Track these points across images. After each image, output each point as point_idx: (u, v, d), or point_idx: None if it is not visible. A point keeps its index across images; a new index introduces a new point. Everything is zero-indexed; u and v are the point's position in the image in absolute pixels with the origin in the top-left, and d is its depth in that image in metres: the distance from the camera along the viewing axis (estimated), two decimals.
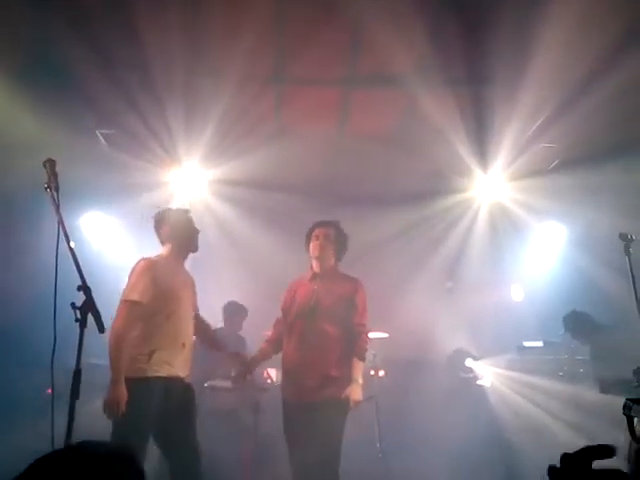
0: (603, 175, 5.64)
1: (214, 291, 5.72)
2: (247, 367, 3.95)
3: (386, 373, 5.78)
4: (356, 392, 3.61)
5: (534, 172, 6.30)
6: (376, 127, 5.91)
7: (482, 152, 5.99)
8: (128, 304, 3.32)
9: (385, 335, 5.66)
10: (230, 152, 5.79)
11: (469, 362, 6.49)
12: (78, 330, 2.35)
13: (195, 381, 3.73)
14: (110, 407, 3.14)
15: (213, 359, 4.70)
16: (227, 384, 4.81)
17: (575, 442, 4.59)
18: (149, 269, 3.43)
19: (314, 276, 3.93)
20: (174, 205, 6.56)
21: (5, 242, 5.36)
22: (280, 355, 3.90)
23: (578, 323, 5.42)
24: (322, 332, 3.70)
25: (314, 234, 3.96)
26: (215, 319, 5.33)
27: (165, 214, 3.77)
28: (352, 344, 3.76)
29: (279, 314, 4.01)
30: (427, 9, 4.12)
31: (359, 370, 3.71)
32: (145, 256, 3.56)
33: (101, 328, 2.33)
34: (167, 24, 4.25)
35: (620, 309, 4.87)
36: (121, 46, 4.45)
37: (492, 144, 5.81)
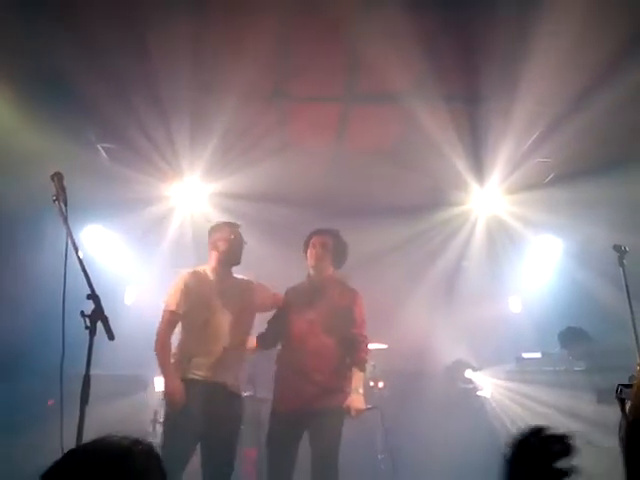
0: (599, 189, 5.71)
1: None
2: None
3: (385, 384, 5.81)
4: (357, 402, 3.65)
5: (530, 186, 6.38)
6: (375, 142, 6.00)
7: (479, 166, 6.07)
8: (166, 313, 3.69)
9: (384, 346, 5.70)
10: (232, 166, 5.86)
11: (468, 373, 6.53)
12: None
13: None
14: (168, 401, 3.49)
15: None
16: None
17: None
18: (183, 281, 3.74)
19: (311, 284, 3.95)
20: (175, 218, 6.68)
21: (11, 253, 5.41)
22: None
23: (573, 339, 5.49)
24: (318, 342, 3.72)
25: (311, 242, 3.99)
26: None
27: (215, 226, 4.01)
28: (350, 355, 3.78)
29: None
30: (424, 29, 4.21)
31: (360, 380, 3.74)
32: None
33: (110, 335, 2.39)
34: (173, 41, 4.33)
35: (615, 320, 4.94)
36: (127, 61, 4.53)
37: (488, 158, 5.89)
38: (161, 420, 5.07)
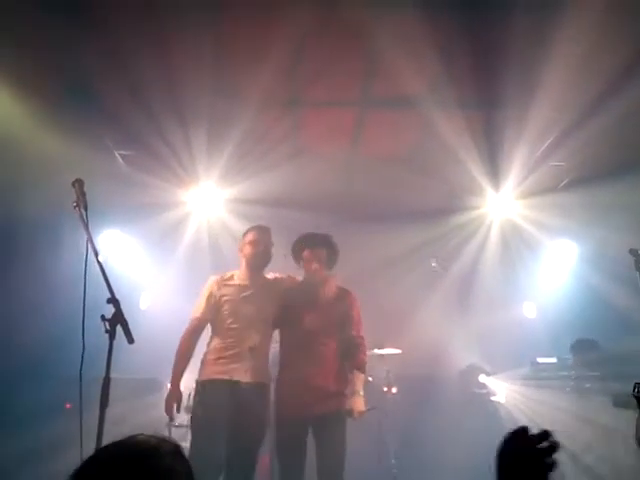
0: (613, 193, 5.70)
1: None
2: None
3: (399, 389, 5.81)
4: (359, 403, 3.66)
5: (545, 190, 6.37)
6: (390, 147, 6.02)
7: (494, 171, 6.07)
8: (191, 320, 3.81)
9: (398, 351, 5.70)
10: (247, 171, 5.92)
11: (482, 378, 6.50)
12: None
13: None
14: (166, 407, 3.56)
15: None
16: None
17: (588, 457, 4.61)
18: (209, 287, 3.88)
19: (306, 289, 3.91)
20: (191, 223, 6.74)
21: (31, 257, 5.49)
22: None
23: (584, 350, 5.48)
24: (318, 346, 3.73)
25: (304, 256, 3.89)
26: None
27: (245, 231, 4.06)
28: (350, 357, 3.78)
29: None
30: (440, 34, 4.23)
31: (361, 382, 3.75)
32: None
33: (130, 339, 2.42)
34: (191, 48, 4.41)
35: (631, 324, 4.91)
36: (146, 69, 4.59)
37: (503, 163, 5.89)
38: (176, 424, 5.13)
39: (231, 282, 3.91)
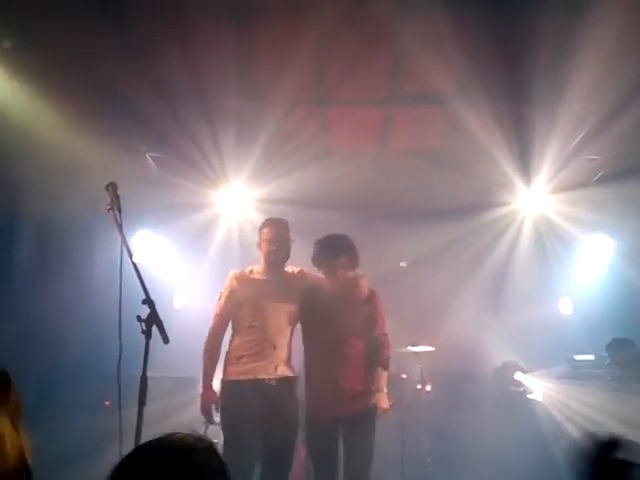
0: None
1: None
2: None
3: (433, 387, 5.77)
4: (383, 401, 3.69)
5: (578, 185, 6.25)
6: (418, 145, 5.98)
7: (525, 166, 5.98)
8: (214, 317, 3.80)
9: (431, 349, 5.67)
10: (276, 171, 5.95)
11: (518, 375, 6.39)
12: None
13: None
14: (202, 411, 3.60)
15: None
16: None
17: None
18: (229, 283, 3.84)
19: (331, 289, 3.88)
20: (222, 224, 6.81)
21: (68, 259, 5.63)
22: None
23: (620, 350, 5.38)
24: (346, 347, 3.72)
25: (325, 267, 3.86)
26: None
27: (263, 225, 3.99)
28: (376, 355, 3.78)
29: None
30: (467, 29, 4.19)
31: (384, 379, 3.77)
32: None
33: (165, 339, 2.47)
34: (221, 51, 4.45)
35: None
36: (176, 73, 4.66)
37: (534, 158, 5.80)
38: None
39: (251, 278, 3.86)
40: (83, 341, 5.36)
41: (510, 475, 5.02)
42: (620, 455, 1.11)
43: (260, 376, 3.59)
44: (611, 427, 4.86)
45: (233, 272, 3.91)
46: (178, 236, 6.84)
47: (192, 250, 6.88)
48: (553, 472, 5.08)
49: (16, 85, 4.29)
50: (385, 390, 3.72)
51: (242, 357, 3.64)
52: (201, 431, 4.97)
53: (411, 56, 4.49)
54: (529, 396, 6.26)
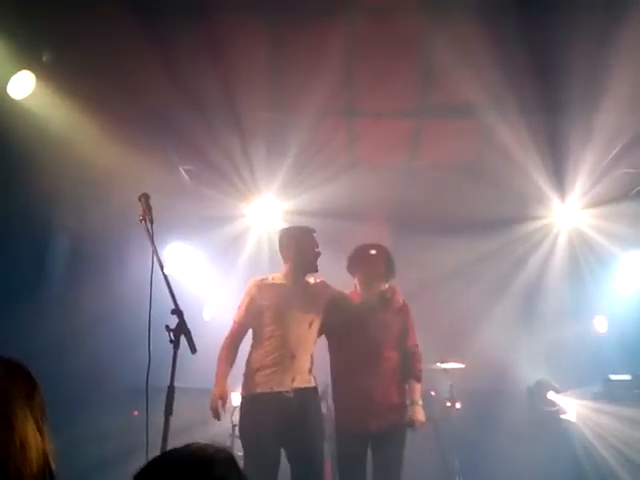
0: None
1: None
2: None
3: (463, 404, 5.67)
4: (419, 414, 3.61)
5: (615, 198, 6.13)
6: (449, 157, 5.94)
7: (559, 179, 5.89)
8: (232, 324, 3.70)
9: (462, 366, 5.57)
10: (306, 183, 5.98)
11: (551, 395, 6.22)
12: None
13: None
14: (210, 405, 3.49)
15: None
16: None
17: None
18: (250, 291, 3.72)
19: (364, 301, 3.82)
20: (252, 236, 6.85)
21: (99, 269, 5.71)
22: None
23: None
24: (380, 360, 3.67)
25: (361, 273, 3.83)
26: None
27: (287, 232, 3.88)
28: (408, 368, 3.73)
29: None
30: (498, 40, 4.15)
31: (419, 392, 3.70)
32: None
33: (193, 349, 2.47)
34: (252, 65, 4.52)
35: None
36: (207, 86, 4.73)
37: (569, 171, 5.71)
38: (238, 434, 5.18)
39: (272, 284, 3.73)
40: (114, 351, 5.41)
41: None
42: None
43: (277, 389, 3.45)
44: None
45: (253, 279, 3.81)
46: (209, 248, 6.90)
47: (222, 262, 6.93)
48: None
49: (54, 98, 4.39)
50: (420, 402, 3.65)
51: (260, 368, 3.52)
52: (227, 442, 4.99)
53: (442, 67, 4.48)
54: (562, 416, 6.08)
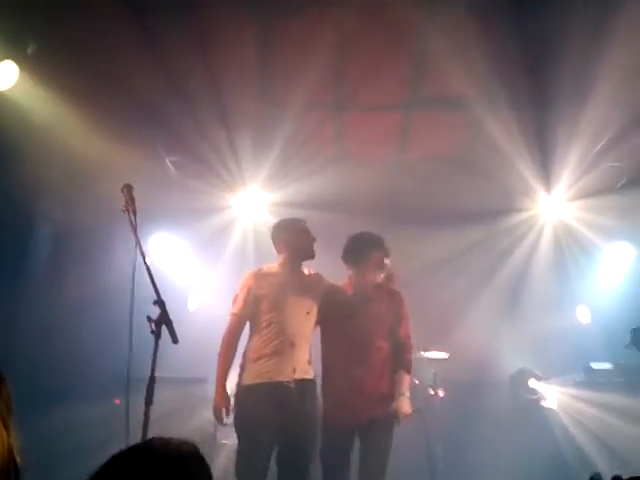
0: None
1: None
2: None
3: (446, 393, 5.72)
4: (405, 406, 3.60)
5: (600, 191, 6.16)
6: (438, 150, 5.95)
7: (545, 172, 5.92)
8: (231, 317, 3.67)
9: (445, 355, 5.62)
10: (292, 175, 5.97)
11: (533, 383, 6.29)
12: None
13: None
14: (214, 414, 3.45)
15: None
16: None
17: None
18: (246, 282, 3.71)
19: (357, 290, 3.84)
20: (237, 227, 6.84)
21: (83, 259, 5.70)
22: None
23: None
24: (370, 349, 3.67)
25: (365, 260, 3.80)
26: None
27: (280, 224, 3.94)
28: (399, 358, 3.73)
29: None
30: (489, 34, 4.16)
31: (407, 383, 3.69)
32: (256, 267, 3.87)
33: (174, 339, 2.48)
34: (240, 57, 4.49)
35: None
36: (194, 77, 4.72)
37: (555, 164, 5.74)
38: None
39: (269, 276, 3.74)
40: (97, 340, 5.41)
41: None
42: None
43: (277, 379, 3.45)
44: (624, 436, 4.78)
45: (249, 271, 3.84)
46: (194, 239, 6.88)
47: (207, 253, 6.92)
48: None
49: (38, 89, 4.35)
50: (408, 394, 3.64)
51: (259, 358, 3.50)
52: (211, 431, 5.02)
53: (433, 60, 4.47)
54: (543, 404, 6.16)
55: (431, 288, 6.39)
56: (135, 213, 2.81)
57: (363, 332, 3.69)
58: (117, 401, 4.61)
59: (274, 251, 3.98)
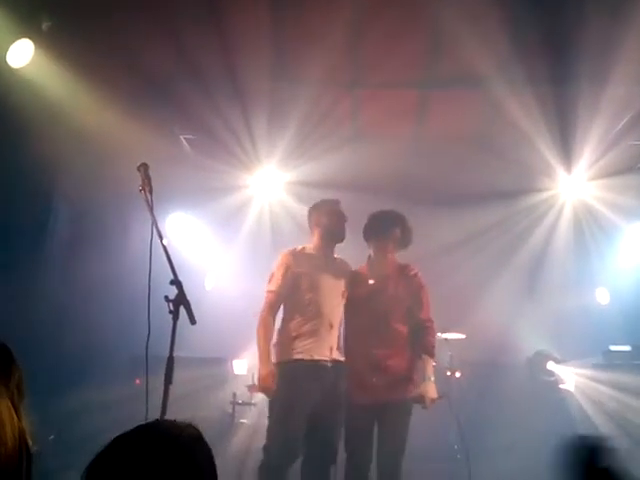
0: None
1: None
2: None
3: (463, 374, 5.70)
4: (431, 390, 3.55)
5: (621, 171, 6.06)
6: (455, 128, 5.87)
7: (565, 151, 5.82)
8: (268, 294, 3.66)
9: (462, 336, 5.59)
10: (308, 154, 5.93)
11: (551, 365, 6.25)
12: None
13: None
14: (260, 386, 3.49)
15: None
16: None
17: None
18: (284, 260, 3.70)
19: (375, 271, 3.81)
20: (254, 206, 6.83)
21: (101, 239, 5.72)
22: None
23: None
24: (389, 331, 3.64)
25: (379, 237, 3.80)
26: None
27: (315, 205, 3.92)
28: (419, 341, 3.66)
29: None
30: (508, 9, 4.05)
31: (431, 367, 3.64)
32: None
33: (192, 320, 2.47)
34: (255, 35, 4.43)
35: None
36: (211, 56, 4.67)
37: (576, 142, 5.63)
38: (240, 401, 5.25)
39: (306, 253, 3.77)
40: (115, 321, 5.46)
41: (538, 465, 4.93)
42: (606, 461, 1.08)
43: (317, 357, 3.49)
44: None
45: (287, 249, 3.82)
46: (211, 218, 6.89)
47: (224, 232, 6.93)
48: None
49: (53, 67, 4.33)
50: (433, 378, 3.59)
51: (299, 336, 3.53)
52: (229, 411, 5.07)
53: (448, 36, 4.38)
54: (561, 386, 6.12)
55: (448, 269, 6.34)
56: (152, 192, 2.78)
57: (380, 314, 3.68)
58: (138, 381, 4.66)
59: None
